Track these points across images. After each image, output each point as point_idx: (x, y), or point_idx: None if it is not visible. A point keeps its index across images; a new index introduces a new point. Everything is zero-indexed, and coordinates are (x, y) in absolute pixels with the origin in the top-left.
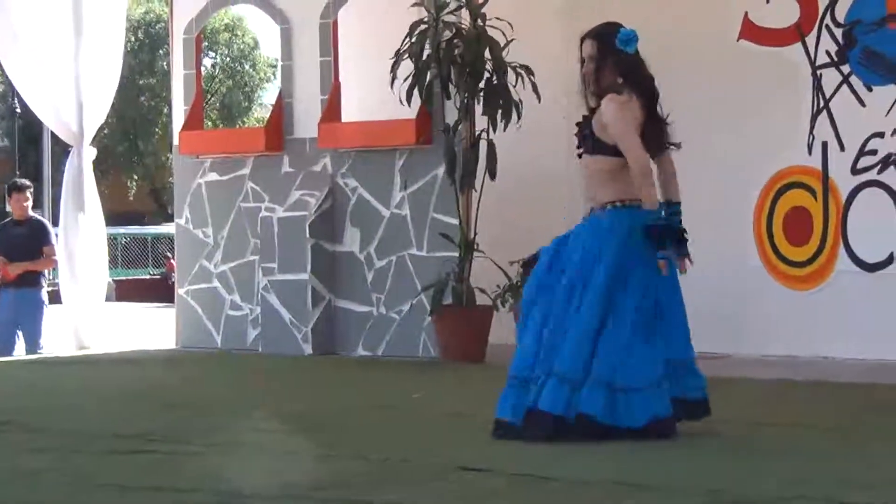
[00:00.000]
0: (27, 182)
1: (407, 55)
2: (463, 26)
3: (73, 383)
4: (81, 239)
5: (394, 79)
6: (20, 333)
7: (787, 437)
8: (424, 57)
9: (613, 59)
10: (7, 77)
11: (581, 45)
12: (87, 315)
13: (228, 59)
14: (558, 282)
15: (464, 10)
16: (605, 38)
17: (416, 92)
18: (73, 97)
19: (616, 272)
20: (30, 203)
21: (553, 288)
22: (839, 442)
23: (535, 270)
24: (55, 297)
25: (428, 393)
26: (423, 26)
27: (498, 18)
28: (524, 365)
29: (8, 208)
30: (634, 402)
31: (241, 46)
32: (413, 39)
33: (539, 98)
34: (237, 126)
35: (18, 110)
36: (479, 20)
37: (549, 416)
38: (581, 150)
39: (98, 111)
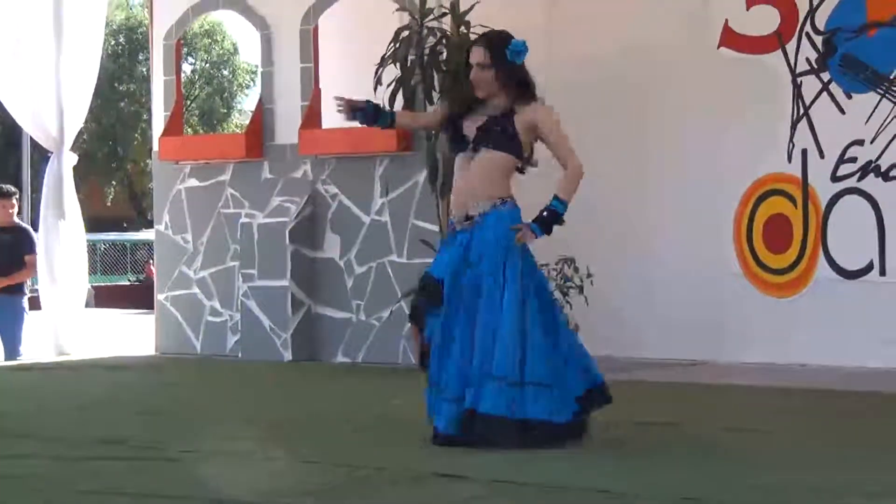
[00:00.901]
0: (13, 188)
1: (391, 61)
2: (447, 32)
3: (52, 389)
4: (61, 245)
5: (377, 84)
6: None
7: (766, 443)
8: (409, 63)
9: (510, 68)
10: None
11: (469, 51)
12: (67, 321)
13: (207, 64)
14: (474, 296)
15: (448, 16)
16: (497, 46)
17: (398, 98)
18: (53, 102)
19: (523, 273)
20: (15, 210)
21: (468, 307)
22: (818, 449)
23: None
24: (34, 304)
25: (407, 399)
26: (406, 32)
27: (482, 25)
28: (458, 384)
29: None
30: (556, 398)
31: (220, 52)
32: (398, 45)
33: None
34: (216, 132)
35: None
36: (462, 27)
37: (493, 417)
38: (475, 144)
39: (76, 116)
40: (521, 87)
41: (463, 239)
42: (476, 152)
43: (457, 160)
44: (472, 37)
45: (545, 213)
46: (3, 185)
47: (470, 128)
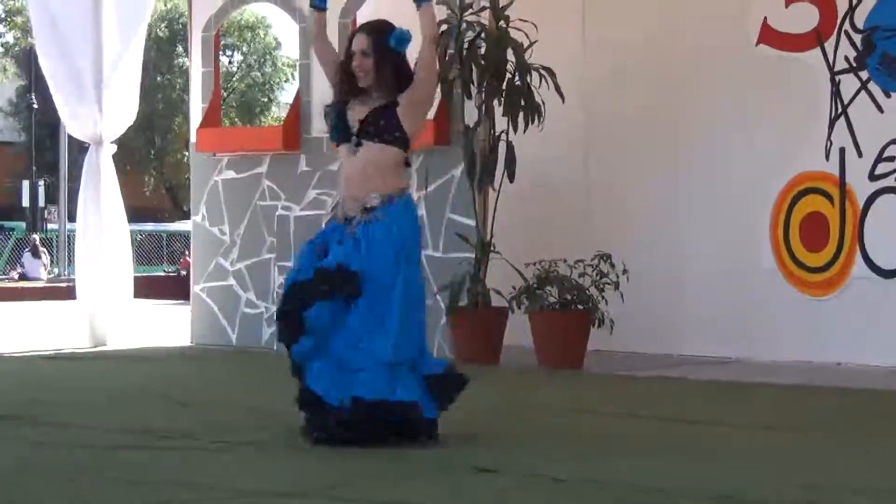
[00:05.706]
0: None
1: None
2: (486, 27)
3: (87, 379)
4: (100, 235)
5: None
6: None
7: (800, 442)
8: (447, 57)
9: (392, 56)
10: (25, 71)
11: (352, 39)
12: (106, 311)
13: (252, 57)
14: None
15: (487, 10)
16: (379, 35)
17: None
18: (91, 93)
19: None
20: None
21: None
22: (852, 448)
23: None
24: (71, 293)
25: None
26: (445, 26)
27: (521, 20)
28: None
29: (25, 202)
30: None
31: (262, 46)
32: None
33: (563, 99)
34: (257, 125)
35: (36, 105)
36: (502, 21)
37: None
38: (358, 137)
39: (122, 111)
40: (403, 78)
41: (360, 231)
42: (359, 146)
43: (342, 149)
44: (512, 32)
45: None
46: None
47: (354, 118)
